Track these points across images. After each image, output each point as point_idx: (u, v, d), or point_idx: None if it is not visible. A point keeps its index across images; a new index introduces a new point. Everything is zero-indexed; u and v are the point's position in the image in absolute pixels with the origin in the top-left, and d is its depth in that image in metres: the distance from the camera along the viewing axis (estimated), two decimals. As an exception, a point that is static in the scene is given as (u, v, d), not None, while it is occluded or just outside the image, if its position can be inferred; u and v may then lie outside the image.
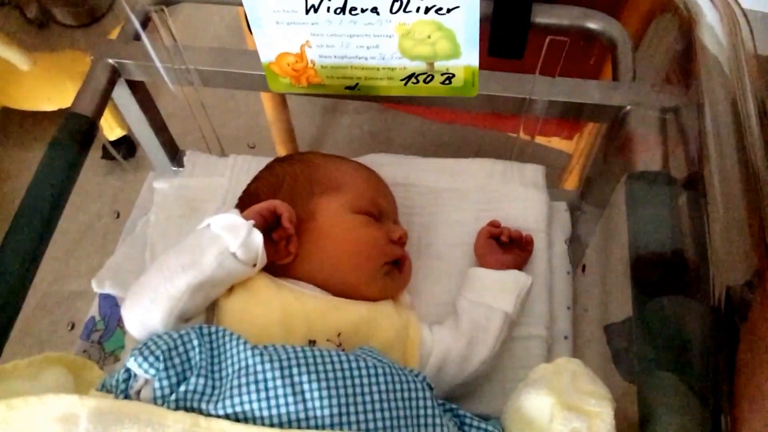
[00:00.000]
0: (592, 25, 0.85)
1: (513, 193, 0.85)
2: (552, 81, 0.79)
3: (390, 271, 0.71)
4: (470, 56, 0.75)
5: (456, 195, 0.85)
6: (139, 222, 0.88)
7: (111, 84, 0.84)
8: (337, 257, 0.69)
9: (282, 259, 0.68)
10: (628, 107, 0.78)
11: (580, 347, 0.79)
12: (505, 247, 0.79)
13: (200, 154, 0.93)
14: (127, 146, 1.43)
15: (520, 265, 0.79)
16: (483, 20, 0.73)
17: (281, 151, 1.41)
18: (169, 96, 0.89)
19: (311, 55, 0.77)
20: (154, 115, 0.93)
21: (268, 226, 0.67)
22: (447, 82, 0.78)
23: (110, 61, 0.83)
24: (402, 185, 0.85)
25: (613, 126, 0.81)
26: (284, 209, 0.66)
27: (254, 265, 0.63)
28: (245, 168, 0.88)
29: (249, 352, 0.52)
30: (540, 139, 1.10)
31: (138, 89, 0.89)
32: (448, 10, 0.70)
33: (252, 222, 0.63)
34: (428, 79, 0.78)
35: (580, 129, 1.08)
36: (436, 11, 0.70)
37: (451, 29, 0.72)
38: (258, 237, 0.62)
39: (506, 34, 0.87)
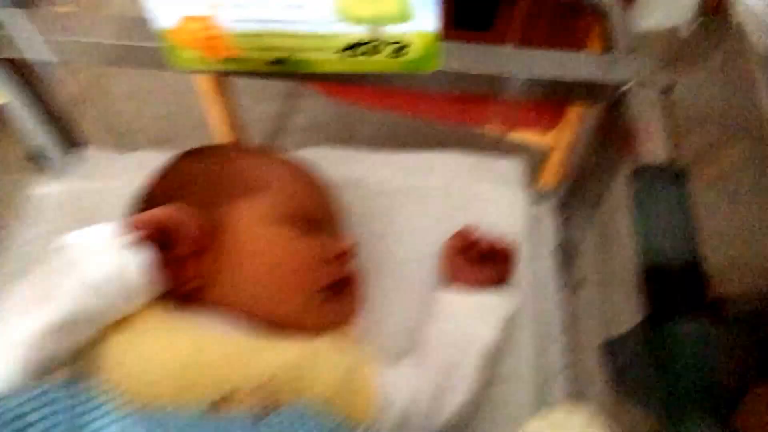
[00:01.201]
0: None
1: (485, 193, 0.69)
2: (532, 54, 0.62)
3: (330, 297, 0.55)
4: (425, 18, 0.58)
5: (416, 196, 0.69)
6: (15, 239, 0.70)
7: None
8: (256, 281, 0.52)
9: (185, 285, 0.50)
10: (629, 85, 0.62)
11: (579, 384, 0.63)
12: (479, 262, 0.62)
13: (99, 152, 0.74)
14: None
15: (500, 283, 0.63)
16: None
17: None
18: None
19: (224, 19, 0.60)
20: (41, 101, 0.74)
21: (164, 240, 0.49)
22: (398, 54, 0.61)
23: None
24: (351, 186, 0.69)
25: (608, 109, 0.65)
26: (185, 218, 0.49)
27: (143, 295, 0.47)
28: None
29: (116, 427, 0.39)
30: (515, 136, 0.94)
31: (18, 68, 0.70)
32: (396, -45, 0.53)
33: (132, 238, 0.46)
34: (374, 49, 0.61)
35: (563, 117, 0.92)
36: (380, -44, 0.53)
37: (400, -19, 0.55)
38: (141, 258, 0.46)
39: (471, 2, 0.71)
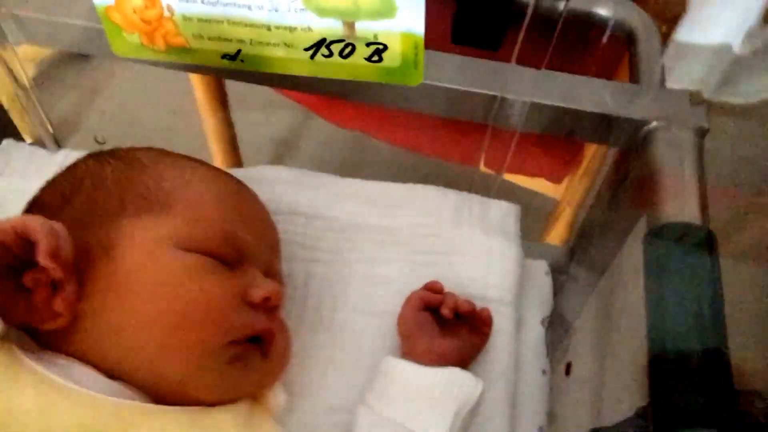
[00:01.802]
0: (602, 11, 0.58)
1: (468, 240, 0.56)
2: (538, 74, 0.51)
3: (240, 357, 0.42)
4: (411, 17, 0.47)
5: (382, 236, 0.57)
6: None
7: None
8: (139, 325, 0.39)
9: (43, 322, 0.38)
10: (654, 123, 0.50)
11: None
12: (447, 325, 0.50)
13: (22, 146, 0.64)
14: None
15: (467, 357, 0.50)
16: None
17: (216, 160, 1.11)
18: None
19: (167, -3, 0.49)
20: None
21: (18, 262, 0.37)
22: (376, 58, 0.50)
23: None
24: (302, 215, 0.57)
25: (627, 152, 0.53)
26: (43, 234, 0.36)
27: None
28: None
29: None
30: (516, 179, 0.82)
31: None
32: (376, -72, 0.43)
33: None
34: (347, 50, 0.50)
35: (576, 165, 0.80)
36: (357, -72, 0.43)
37: (380, -36, 0.44)
38: None
39: (478, 13, 0.60)
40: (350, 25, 0.49)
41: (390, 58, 0.50)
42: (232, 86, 1.00)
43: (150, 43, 0.53)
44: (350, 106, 0.82)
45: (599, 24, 0.58)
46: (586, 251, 0.61)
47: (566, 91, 0.51)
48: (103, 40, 0.54)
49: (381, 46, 0.49)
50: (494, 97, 0.52)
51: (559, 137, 0.54)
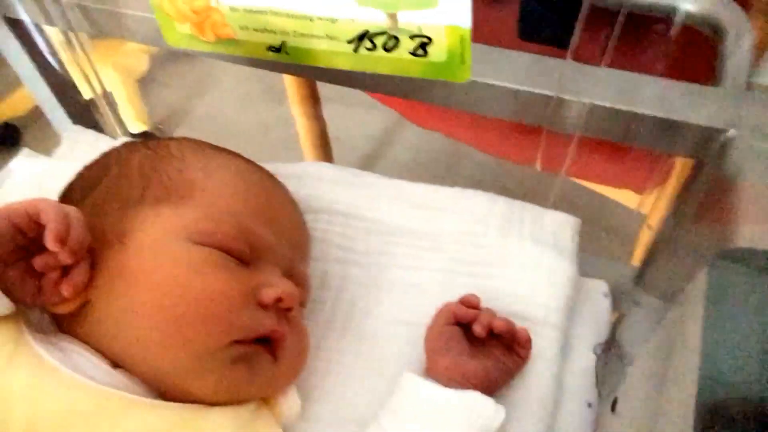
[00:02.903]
0: (686, 4, 0.51)
1: (515, 252, 0.52)
2: (597, 71, 0.46)
3: (247, 357, 0.40)
4: (456, 9, 0.43)
5: (423, 242, 0.53)
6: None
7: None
8: (142, 317, 0.39)
9: (52, 305, 0.38)
10: (732, 131, 0.43)
11: None
12: (479, 343, 0.46)
13: (89, 133, 0.66)
14: (6, 132, 1.31)
15: (497, 380, 0.46)
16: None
17: (307, 156, 1.10)
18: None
19: (213, -14, 0.49)
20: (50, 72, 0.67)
21: (32, 244, 0.38)
22: (420, 52, 0.47)
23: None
24: (341, 214, 0.54)
25: (702, 164, 0.47)
26: (53, 217, 0.37)
27: None
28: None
29: None
30: (594, 187, 0.75)
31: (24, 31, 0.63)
32: None
33: None
34: (391, 43, 0.48)
35: (667, 173, 0.71)
36: None
37: (420, -51, 0.41)
38: None
39: (546, 7, 0.55)
40: (393, 17, 0.46)
41: (435, 53, 0.47)
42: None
43: (200, 34, 0.53)
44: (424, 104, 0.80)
45: (682, 19, 0.51)
46: (655, 275, 0.55)
47: (628, 90, 0.45)
48: (147, 29, 0.55)
49: (426, 40, 0.46)
50: (550, 97, 0.48)
51: (620, 143, 0.49)
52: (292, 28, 0.50)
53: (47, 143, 0.66)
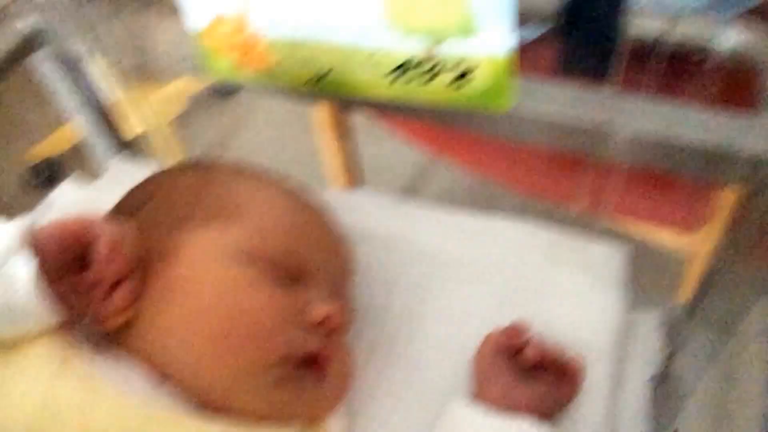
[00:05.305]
0: (722, 39, 0.51)
1: (563, 282, 0.51)
2: (641, 101, 0.46)
3: (291, 377, 0.40)
4: (495, 37, 0.44)
5: (467, 270, 0.53)
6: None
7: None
8: (190, 331, 0.39)
9: (101, 319, 0.39)
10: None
11: None
12: (529, 371, 0.45)
13: (131, 163, 0.67)
14: (49, 171, 1.34)
15: (547, 410, 0.44)
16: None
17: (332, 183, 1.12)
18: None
19: (257, 20, 0.50)
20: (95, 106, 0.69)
21: (82, 259, 0.38)
22: (459, 82, 0.47)
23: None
24: (385, 242, 0.54)
25: (751, 193, 0.46)
26: (107, 228, 0.38)
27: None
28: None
29: None
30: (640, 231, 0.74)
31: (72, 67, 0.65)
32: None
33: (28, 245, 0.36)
34: (430, 74, 0.48)
35: (711, 213, 0.70)
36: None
37: (462, -19, 0.42)
38: (30, 271, 0.35)
39: (586, 42, 0.55)
40: (433, 48, 0.46)
41: (474, 82, 0.47)
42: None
43: (241, 66, 0.54)
44: (449, 136, 0.80)
45: (717, 54, 0.51)
46: (709, 308, 0.53)
47: (674, 119, 0.44)
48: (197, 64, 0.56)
49: (465, 70, 0.46)
50: (595, 126, 0.47)
51: (670, 174, 0.48)
52: (333, 60, 0.50)
53: (88, 178, 0.67)
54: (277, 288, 0.41)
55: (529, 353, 0.44)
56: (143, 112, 0.81)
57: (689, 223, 0.76)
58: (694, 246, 0.76)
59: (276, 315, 0.40)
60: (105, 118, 0.70)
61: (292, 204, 0.47)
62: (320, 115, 1.02)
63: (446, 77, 0.47)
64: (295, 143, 1.40)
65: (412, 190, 1.37)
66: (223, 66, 0.54)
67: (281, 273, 0.42)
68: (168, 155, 1.31)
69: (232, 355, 0.38)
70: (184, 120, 1.42)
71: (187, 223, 0.43)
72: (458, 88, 0.48)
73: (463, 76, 0.47)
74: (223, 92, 1.54)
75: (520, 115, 0.49)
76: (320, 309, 0.41)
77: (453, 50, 0.46)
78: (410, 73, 0.49)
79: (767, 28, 0.46)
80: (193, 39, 0.53)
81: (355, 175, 1.11)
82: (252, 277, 0.40)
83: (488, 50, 0.44)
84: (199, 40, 0.53)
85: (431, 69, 0.47)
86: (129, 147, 0.73)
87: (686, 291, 0.66)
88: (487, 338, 0.47)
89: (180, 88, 1.42)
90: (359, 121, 1.06)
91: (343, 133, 1.05)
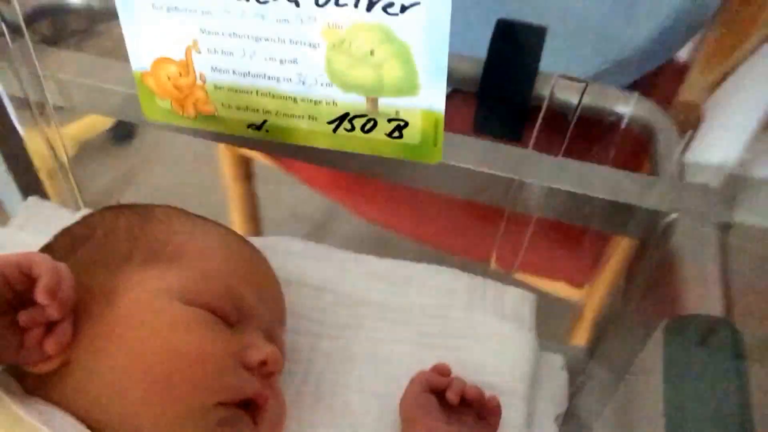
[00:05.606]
0: (620, 107, 0.58)
1: (480, 325, 0.54)
2: (554, 160, 0.51)
3: (231, 420, 0.40)
4: (433, 94, 0.48)
5: (391, 314, 0.55)
6: None
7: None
8: (126, 376, 0.38)
9: (33, 363, 0.37)
10: (674, 215, 0.49)
11: None
12: (452, 411, 0.47)
13: (46, 204, 0.65)
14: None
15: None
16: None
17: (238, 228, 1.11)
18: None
19: (201, 65, 0.52)
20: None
21: (16, 299, 0.37)
22: (396, 134, 0.51)
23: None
24: (311, 287, 0.56)
25: (647, 244, 0.52)
26: (45, 270, 0.36)
27: None
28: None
29: None
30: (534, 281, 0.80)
31: None
32: (403, 8, 0.44)
33: None
34: (369, 125, 0.51)
35: (599, 268, 0.78)
36: (385, 8, 0.45)
37: (405, 43, 0.46)
38: None
39: (498, 106, 0.61)
40: (373, 101, 0.50)
41: (410, 135, 0.51)
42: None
43: (180, 109, 0.55)
44: (365, 193, 0.83)
45: (617, 120, 0.58)
46: (606, 349, 0.59)
47: (583, 177, 0.50)
48: (137, 107, 0.56)
49: (402, 123, 0.50)
50: (512, 180, 0.52)
51: (576, 227, 0.54)
52: (275, 108, 0.52)
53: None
54: (218, 330, 0.41)
55: (451, 394, 0.47)
56: (42, 151, 0.78)
57: (580, 279, 0.84)
58: (586, 296, 0.83)
59: (217, 357, 0.39)
60: (12, 157, 0.68)
61: (231, 245, 0.47)
62: (223, 158, 1.04)
63: (384, 128, 0.51)
64: (198, 189, 1.38)
65: (315, 236, 1.39)
66: (162, 109, 0.55)
67: (222, 314, 0.41)
68: (68, 198, 1.25)
69: (172, 397, 0.37)
70: (77, 162, 1.36)
71: (124, 265, 0.42)
72: (395, 139, 0.51)
73: (400, 128, 0.51)
74: (120, 137, 1.50)
75: (448, 166, 0.53)
76: (259, 352, 0.41)
77: (392, 104, 0.49)
78: (350, 124, 0.52)
79: (660, 100, 0.54)
80: (132, 80, 0.53)
81: (257, 220, 1.13)
82: (192, 318, 0.40)
83: (426, 105, 0.48)
84: (139, 82, 0.54)
85: (371, 120, 0.51)
86: (37, 185, 0.71)
87: (582, 335, 0.72)
88: (412, 380, 0.49)
89: (76, 130, 1.37)
90: (261, 165, 1.07)
91: (247, 176, 1.07)
